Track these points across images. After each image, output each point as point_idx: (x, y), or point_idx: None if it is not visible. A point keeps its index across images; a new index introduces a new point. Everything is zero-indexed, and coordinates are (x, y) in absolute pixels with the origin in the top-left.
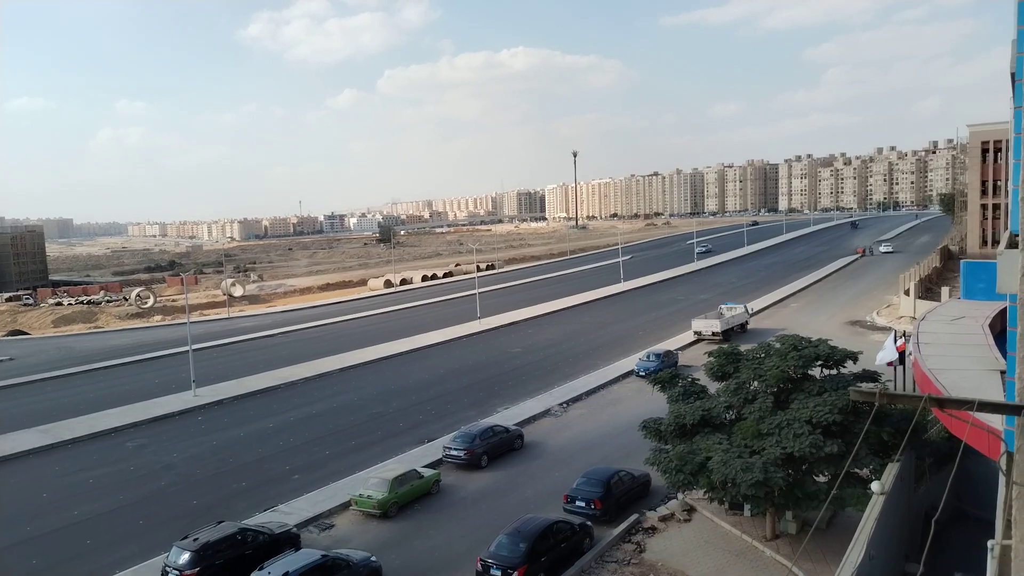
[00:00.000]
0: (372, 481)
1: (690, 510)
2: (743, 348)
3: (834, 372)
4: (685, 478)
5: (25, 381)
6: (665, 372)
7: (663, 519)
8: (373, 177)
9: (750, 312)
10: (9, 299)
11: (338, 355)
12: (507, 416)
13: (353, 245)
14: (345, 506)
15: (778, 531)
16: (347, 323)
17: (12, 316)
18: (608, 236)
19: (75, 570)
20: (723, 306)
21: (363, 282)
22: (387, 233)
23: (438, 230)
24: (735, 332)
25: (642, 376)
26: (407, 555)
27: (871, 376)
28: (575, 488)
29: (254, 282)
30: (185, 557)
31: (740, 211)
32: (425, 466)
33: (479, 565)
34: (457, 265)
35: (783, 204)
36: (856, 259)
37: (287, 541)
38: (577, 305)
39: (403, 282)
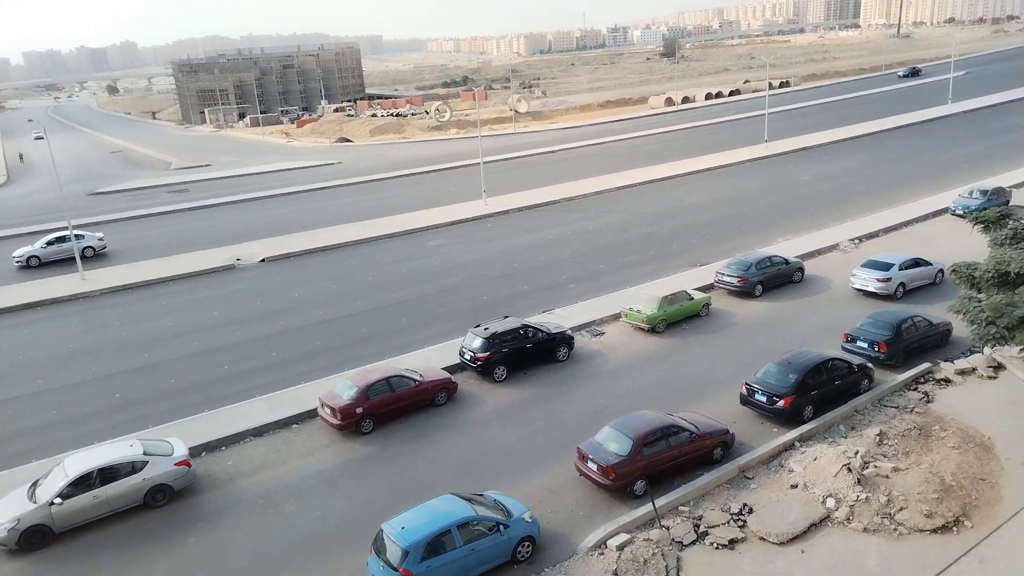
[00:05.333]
0: (643, 297)
1: (997, 367)
2: None
3: None
4: (998, 332)
5: (353, 182)
6: (992, 211)
7: (961, 372)
8: None
9: None
10: (336, 110)
11: (614, 174)
12: (788, 247)
13: (635, 60)
14: (615, 317)
15: None
16: (625, 142)
17: (339, 125)
18: (938, 47)
19: (397, 340)
20: None
21: (643, 100)
22: (671, 47)
23: (728, 42)
24: None
25: (959, 215)
26: (672, 370)
27: None
28: (859, 328)
29: (538, 98)
30: (478, 343)
31: None
32: (696, 288)
33: (744, 389)
34: (746, 82)
35: None
36: None
37: (563, 341)
38: (885, 130)
39: (685, 100)
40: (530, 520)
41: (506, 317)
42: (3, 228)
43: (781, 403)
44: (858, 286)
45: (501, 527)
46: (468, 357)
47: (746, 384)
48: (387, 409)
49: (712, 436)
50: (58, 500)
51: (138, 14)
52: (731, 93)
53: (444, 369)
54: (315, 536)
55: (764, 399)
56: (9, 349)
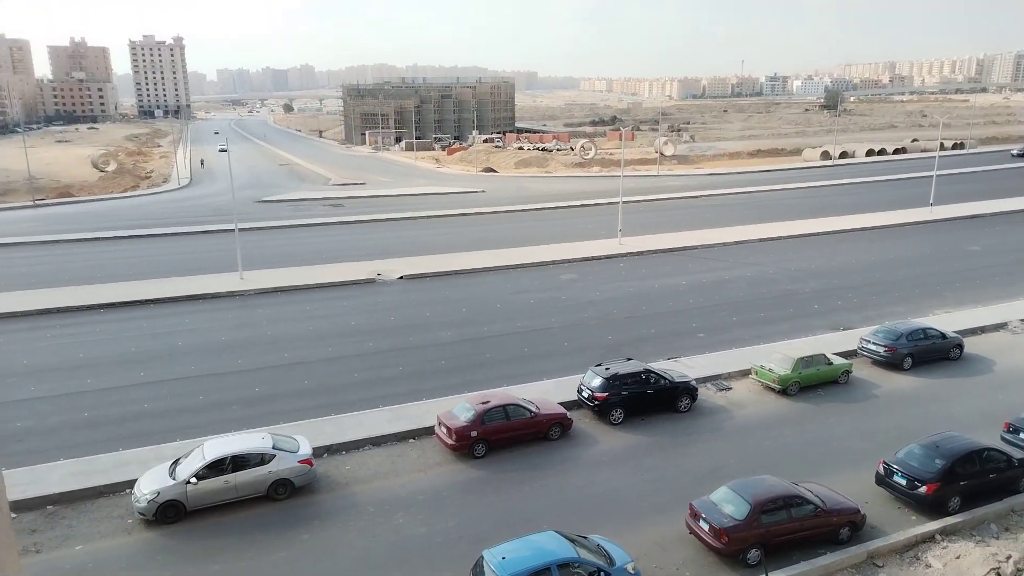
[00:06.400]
0: (776, 356)
1: None
2: None
3: None
4: None
5: (493, 211)
6: None
7: None
8: (826, 34)
9: None
10: (485, 140)
11: (758, 225)
12: (946, 321)
13: (792, 110)
14: (744, 373)
15: None
16: (773, 193)
17: (486, 155)
18: None
19: (518, 369)
20: None
21: (797, 151)
22: (833, 99)
23: (897, 97)
24: None
25: None
26: (801, 436)
27: None
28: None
29: (685, 142)
30: (597, 382)
31: None
32: (836, 354)
33: (881, 467)
34: (914, 141)
35: None
36: None
37: (686, 391)
38: None
39: (843, 155)
40: (633, 571)
41: (629, 359)
42: (182, 225)
43: (924, 489)
44: None
45: (602, 574)
46: (586, 395)
47: (884, 463)
48: (501, 436)
49: (840, 514)
50: (194, 480)
51: (318, 40)
52: (896, 151)
53: (561, 404)
54: (419, 551)
55: (904, 482)
56: (171, 335)
